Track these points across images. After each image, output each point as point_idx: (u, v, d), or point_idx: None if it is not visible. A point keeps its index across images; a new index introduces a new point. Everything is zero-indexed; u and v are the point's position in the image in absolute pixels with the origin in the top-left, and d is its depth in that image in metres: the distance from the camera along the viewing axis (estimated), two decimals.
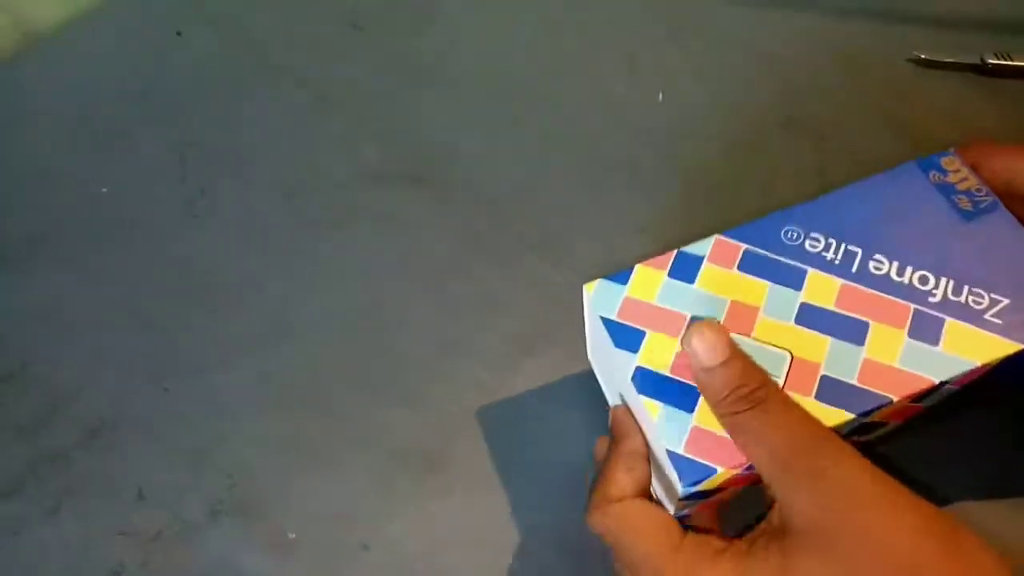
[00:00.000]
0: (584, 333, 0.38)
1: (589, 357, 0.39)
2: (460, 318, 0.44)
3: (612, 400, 0.37)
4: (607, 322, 0.33)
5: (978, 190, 0.34)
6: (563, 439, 0.41)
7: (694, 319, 0.32)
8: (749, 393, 0.28)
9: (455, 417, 0.41)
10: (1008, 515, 0.36)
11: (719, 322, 0.31)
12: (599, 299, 0.34)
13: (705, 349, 0.29)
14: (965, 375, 0.31)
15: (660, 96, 0.55)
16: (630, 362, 0.32)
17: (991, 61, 0.57)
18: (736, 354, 0.29)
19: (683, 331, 0.32)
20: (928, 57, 0.58)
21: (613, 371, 0.35)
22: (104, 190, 0.48)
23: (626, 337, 0.33)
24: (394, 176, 0.50)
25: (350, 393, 0.42)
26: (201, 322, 0.44)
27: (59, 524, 0.37)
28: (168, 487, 0.39)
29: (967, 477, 0.38)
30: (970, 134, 0.54)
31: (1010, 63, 0.58)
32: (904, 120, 0.55)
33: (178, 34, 0.57)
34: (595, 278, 0.37)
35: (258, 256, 0.46)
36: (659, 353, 0.32)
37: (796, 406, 0.29)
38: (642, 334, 0.33)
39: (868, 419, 0.31)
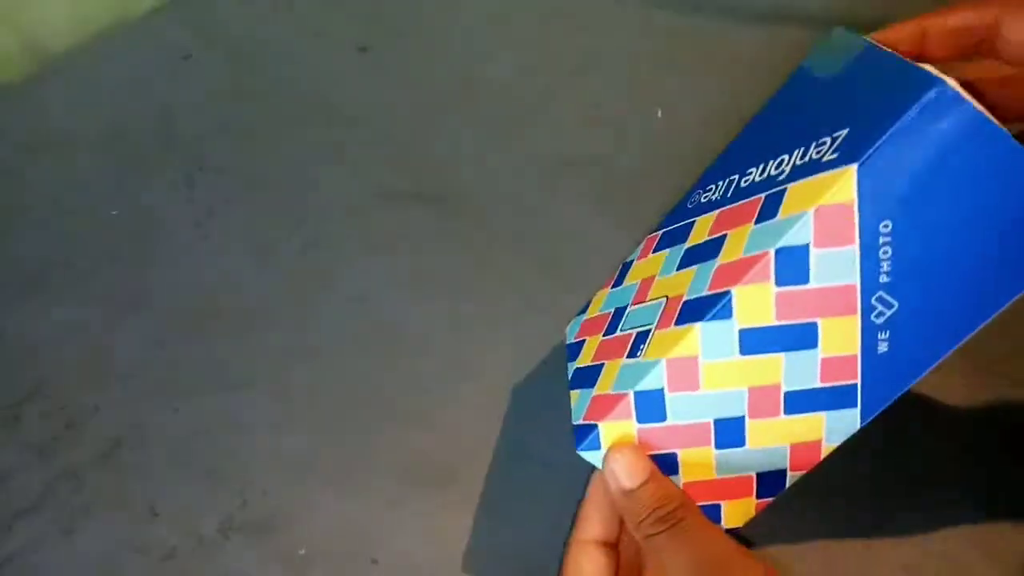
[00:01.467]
0: None
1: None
2: (470, 338, 0.45)
3: None
4: (568, 347, 0.36)
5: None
6: (572, 460, 0.41)
7: (615, 311, 0.33)
8: (667, 514, 0.29)
9: (465, 435, 0.42)
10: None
11: (635, 444, 0.30)
12: (569, 332, 0.37)
13: (623, 471, 0.30)
14: (810, 231, 0.26)
15: (659, 113, 0.56)
16: (570, 369, 0.35)
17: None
18: (654, 475, 0.30)
19: (605, 326, 0.34)
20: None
21: None
22: (115, 213, 0.49)
23: (573, 352, 0.35)
24: (403, 197, 0.51)
25: (360, 411, 0.43)
26: (213, 342, 0.44)
27: (75, 542, 0.38)
28: (181, 505, 0.39)
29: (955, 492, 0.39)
30: None
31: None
32: None
33: (186, 58, 0.58)
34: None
35: (268, 276, 0.47)
36: (588, 351, 0.34)
37: (710, 525, 0.30)
38: (581, 344, 0.35)
39: None
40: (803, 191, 0.27)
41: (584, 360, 0.34)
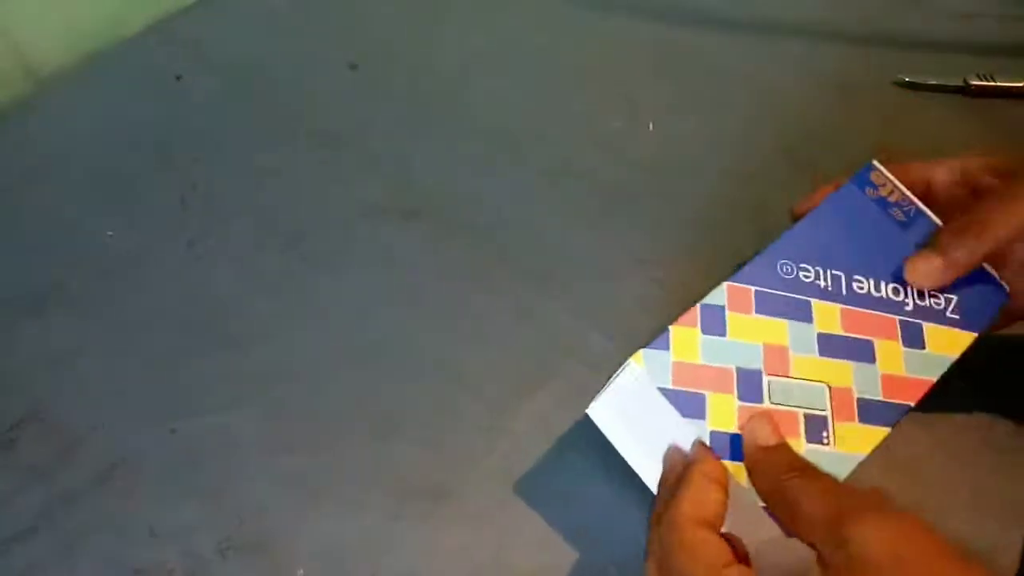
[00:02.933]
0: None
1: (605, 428, 0.37)
2: (463, 353, 0.45)
3: (642, 470, 0.37)
4: (667, 392, 0.34)
5: (903, 200, 0.40)
6: (564, 476, 0.41)
7: (739, 370, 0.35)
8: (802, 464, 0.32)
9: (461, 452, 0.42)
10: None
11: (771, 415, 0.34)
12: (653, 370, 0.34)
13: (765, 431, 0.33)
14: (948, 369, 0.36)
15: (650, 126, 0.57)
16: (700, 430, 0.33)
17: (974, 83, 0.59)
18: (783, 438, 0.33)
19: (733, 385, 0.35)
20: (913, 80, 0.60)
21: (663, 440, 0.35)
22: (110, 234, 0.49)
23: (689, 404, 0.34)
24: (395, 213, 0.51)
25: (356, 429, 0.43)
26: (208, 362, 0.44)
27: (73, 565, 0.38)
28: (178, 525, 0.39)
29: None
30: (956, 155, 0.55)
31: (993, 84, 0.59)
32: (892, 143, 0.56)
33: (177, 78, 0.58)
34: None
35: (262, 295, 0.47)
36: (723, 413, 0.34)
37: (826, 475, 0.31)
38: (702, 398, 0.34)
39: None
40: (940, 337, 0.36)
41: (725, 425, 0.34)
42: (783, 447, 0.33)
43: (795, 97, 0.59)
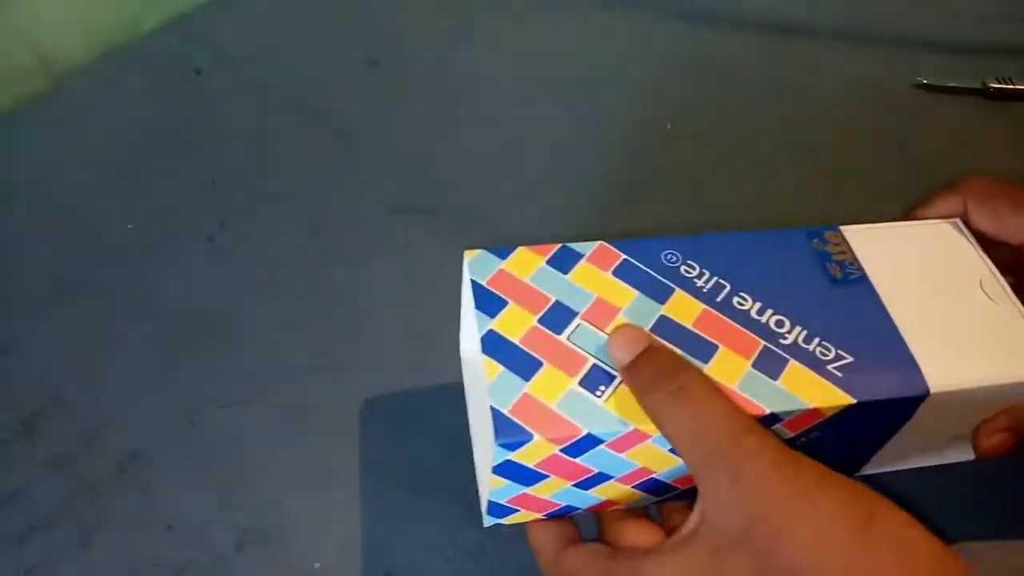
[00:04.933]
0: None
1: (461, 345, 0.40)
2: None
3: (470, 401, 0.39)
4: (476, 286, 0.34)
5: (852, 263, 0.36)
6: None
7: (557, 303, 0.34)
8: (671, 376, 0.29)
9: None
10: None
11: (632, 324, 0.32)
12: (476, 266, 0.35)
13: (622, 347, 0.31)
14: (798, 416, 0.32)
15: (668, 125, 0.57)
16: (484, 324, 0.33)
17: (993, 85, 0.59)
18: (656, 343, 0.31)
19: (543, 309, 0.34)
20: (931, 82, 0.60)
21: (469, 331, 0.36)
22: (130, 226, 0.49)
23: (489, 303, 0.34)
24: (414, 210, 0.51)
25: (374, 424, 0.43)
26: (227, 354, 0.44)
27: (91, 557, 0.38)
28: (196, 519, 0.39)
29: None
30: (973, 158, 0.55)
31: (1011, 87, 0.59)
32: (910, 145, 0.56)
33: (197, 72, 0.58)
34: None
35: (281, 288, 0.47)
36: (514, 324, 0.33)
37: (719, 395, 0.29)
38: (504, 303, 0.34)
39: None
40: (804, 380, 0.32)
41: (509, 331, 0.33)
42: (650, 351, 0.30)
43: (814, 99, 0.59)
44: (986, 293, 0.36)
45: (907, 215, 0.39)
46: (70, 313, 0.46)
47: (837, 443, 0.35)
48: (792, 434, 0.33)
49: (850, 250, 0.37)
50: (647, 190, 0.53)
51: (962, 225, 0.38)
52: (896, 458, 0.37)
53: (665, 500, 0.34)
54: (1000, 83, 0.59)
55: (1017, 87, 0.59)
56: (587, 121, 0.57)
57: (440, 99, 0.57)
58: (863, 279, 0.36)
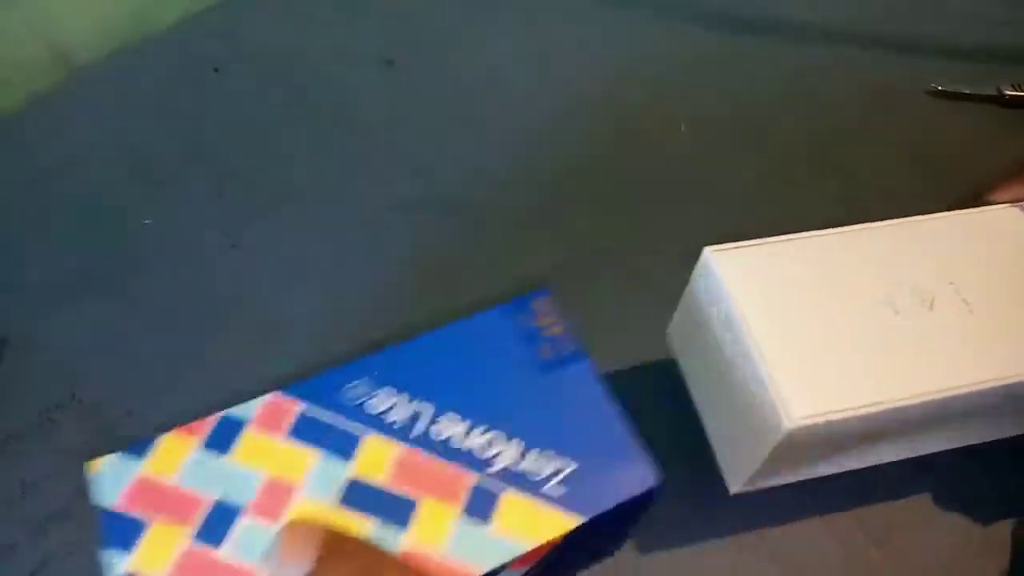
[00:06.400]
0: None
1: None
2: None
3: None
4: (104, 516, 0.27)
5: (563, 337, 0.32)
6: None
7: (218, 503, 0.27)
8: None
9: None
10: None
11: (300, 521, 0.27)
12: (104, 482, 0.28)
13: (291, 554, 0.25)
14: (522, 555, 0.27)
15: (682, 127, 0.57)
16: (120, 566, 0.26)
17: (1008, 92, 0.59)
18: (333, 536, 0.26)
19: (200, 521, 0.27)
20: (946, 89, 0.60)
21: None
22: (147, 221, 0.50)
23: (123, 533, 0.27)
24: (429, 208, 0.51)
25: None
26: (243, 349, 0.45)
27: None
28: None
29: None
30: (988, 164, 0.55)
31: None
32: (924, 151, 0.56)
33: (215, 70, 0.59)
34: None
35: (296, 285, 0.48)
36: (161, 552, 0.26)
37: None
38: (143, 527, 0.27)
39: None
40: (522, 514, 0.27)
41: (155, 565, 0.26)
42: (326, 561, 0.25)
43: (828, 104, 0.59)
44: None
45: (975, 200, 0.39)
46: (87, 307, 0.46)
47: (581, 549, 0.31)
48: (525, 568, 0.29)
49: (561, 320, 0.33)
50: (659, 189, 0.53)
51: None
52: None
53: None
54: (1015, 90, 0.59)
55: None
56: (602, 121, 0.57)
57: (455, 99, 0.58)
58: (579, 355, 0.32)
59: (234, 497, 0.27)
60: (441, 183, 0.53)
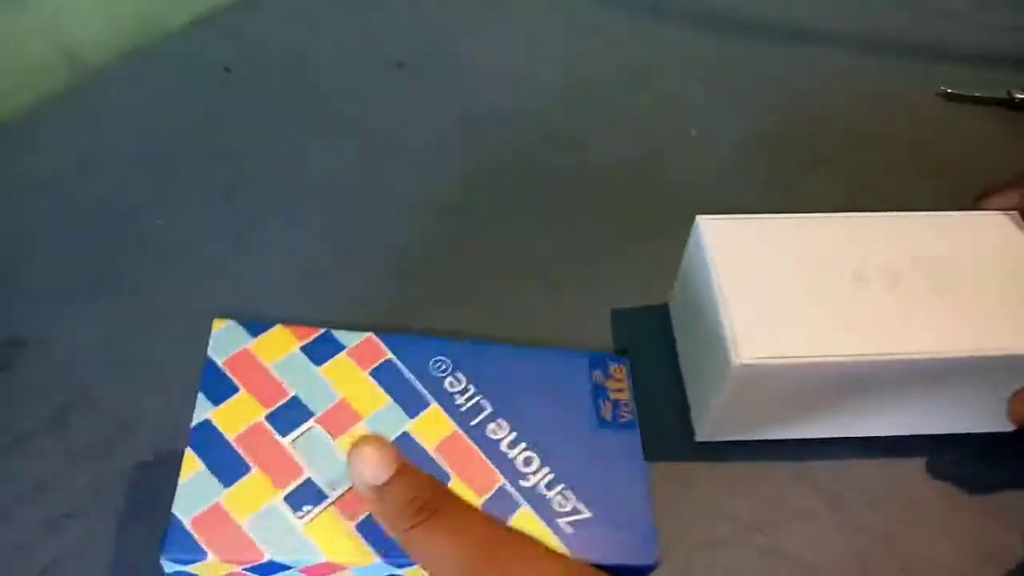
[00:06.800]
0: None
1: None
2: None
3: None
4: (209, 365, 0.32)
5: (626, 405, 0.34)
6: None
7: (294, 398, 0.31)
8: (424, 504, 0.27)
9: None
10: None
11: (382, 437, 0.29)
12: (221, 340, 0.33)
13: (370, 466, 0.27)
14: None
15: (693, 132, 0.57)
16: (203, 412, 0.31)
17: (1018, 95, 0.59)
18: (405, 467, 0.28)
19: (275, 406, 0.31)
20: (956, 92, 0.60)
21: None
22: (159, 222, 0.50)
23: (217, 386, 0.31)
24: (441, 212, 0.52)
25: None
26: None
27: (125, 545, 0.39)
28: None
29: None
30: (997, 167, 0.55)
31: None
32: (933, 155, 0.56)
33: (226, 70, 0.59)
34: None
35: (306, 287, 0.48)
36: (237, 417, 0.31)
37: (473, 509, 0.29)
38: (235, 391, 0.31)
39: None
40: (531, 528, 0.30)
41: (228, 425, 0.30)
42: (398, 478, 0.28)
43: (838, 107, 0.59)
44: None
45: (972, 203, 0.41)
46: (99, 306, 0.46)
47: None
48: None
49: (629, 389, 0.35)
50: (672, 194, 0.53)
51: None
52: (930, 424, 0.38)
53: None
54: None
55: None
56: (611, 126, 0.57)
57: (466, 101, 0.58)
58: (632, 425, 0.34)
59: (311, 402, 0.31)
60: (454, 186, 0.53)
